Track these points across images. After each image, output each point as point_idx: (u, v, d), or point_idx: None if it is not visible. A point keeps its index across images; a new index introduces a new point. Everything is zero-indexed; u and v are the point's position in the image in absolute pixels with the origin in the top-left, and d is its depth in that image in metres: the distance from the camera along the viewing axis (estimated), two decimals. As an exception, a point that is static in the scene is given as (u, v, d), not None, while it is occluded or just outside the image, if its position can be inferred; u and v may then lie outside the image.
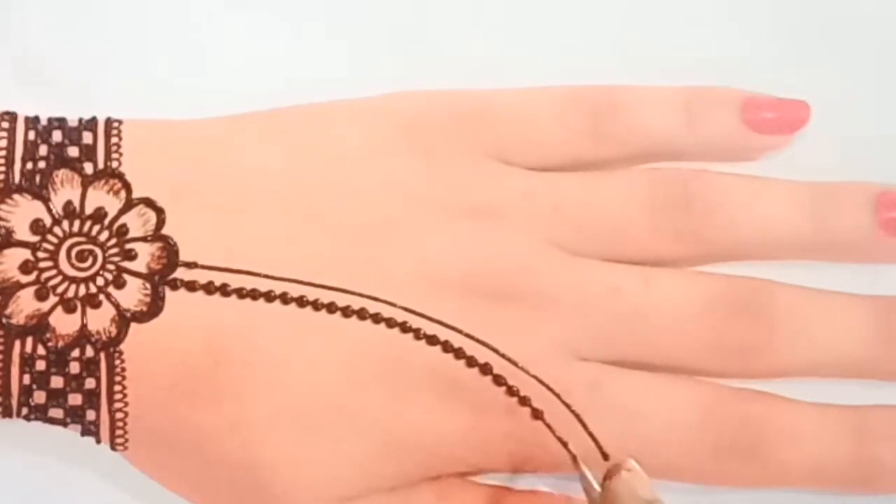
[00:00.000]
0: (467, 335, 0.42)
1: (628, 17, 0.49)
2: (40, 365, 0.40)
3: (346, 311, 0.42)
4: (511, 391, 0.43)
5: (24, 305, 0.40)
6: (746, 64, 0.48)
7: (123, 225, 0.41)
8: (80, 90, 0.46)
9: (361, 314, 0.42)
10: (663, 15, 0.49)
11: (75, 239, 0.41)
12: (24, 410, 0.41)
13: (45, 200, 0.41)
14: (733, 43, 0.49)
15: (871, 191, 0.46)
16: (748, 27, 0.49)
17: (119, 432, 0.41)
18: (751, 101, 0.46)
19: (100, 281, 0.41)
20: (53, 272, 0.41)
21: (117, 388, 0.41)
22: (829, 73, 0.48)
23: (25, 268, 0.40)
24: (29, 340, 0.40)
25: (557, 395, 0.42)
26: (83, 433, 0.41)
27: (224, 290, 0.41)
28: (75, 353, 0.41)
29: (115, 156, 0.42)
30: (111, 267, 0.41)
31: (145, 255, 0.41)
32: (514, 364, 0.42)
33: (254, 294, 0.41)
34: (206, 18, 0.48)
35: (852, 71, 0.49)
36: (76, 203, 0.41)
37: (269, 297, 0.41)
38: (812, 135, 0.47)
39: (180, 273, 0.41)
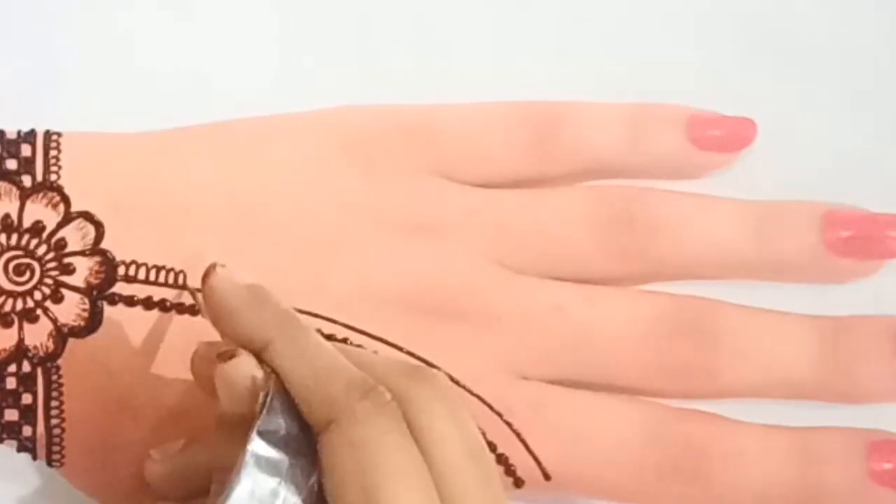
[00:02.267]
0: (409, 353, 0.42)
1: (579, 33, 0.50)
2: (-25, 381, 0.41)
3: (286, 328, 0.42)
4: (452, 410, 0.43)
5: (-40, 320, 0.41)
6: (698, 79, 0.49)
7: (62, 238, 0.42)
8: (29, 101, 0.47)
9: (300, 331, 0.42)
10: (616, 30, 0.50)
11: (13, 252, 0.42)
12: (-41, 427, 0.42)
13: (-18, 214, 0.42)
14: (686, 58, 0.50)
15: (817, 210, 0.47)
16: (701, 43, 0.50)
17: (55, 448, 0.42)
18: (696, 118, 0.47)
19: (37, 295, 0.42)
20: (-10, 286, 0.42)
21: (54, 403, 0.42)
22: (778, 92, 0.49)
23: (-38, 282, 0.41)
24: (-35, 356, 0.41)
25: (499, 415, 0.43)
26: (19, 449, 0.42)
27: (163, 306, 0.42)
28: (12, 368, 0.42)
29: (53, 169, 0.42)
30: (49, 281, 0.42)
31: (84, 269, 0.42)
32: (456, 382, 0.43)
33: (192, 310, 0.42)
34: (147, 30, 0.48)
35: (801, 90, 0.50)
36: (14, 216, 0.42)
37: (208, 313, 0.42)
38: (758, 153, 0.48)
39: (119, 288, 0.42)
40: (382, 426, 0.35)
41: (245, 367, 0.37)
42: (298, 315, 0.38)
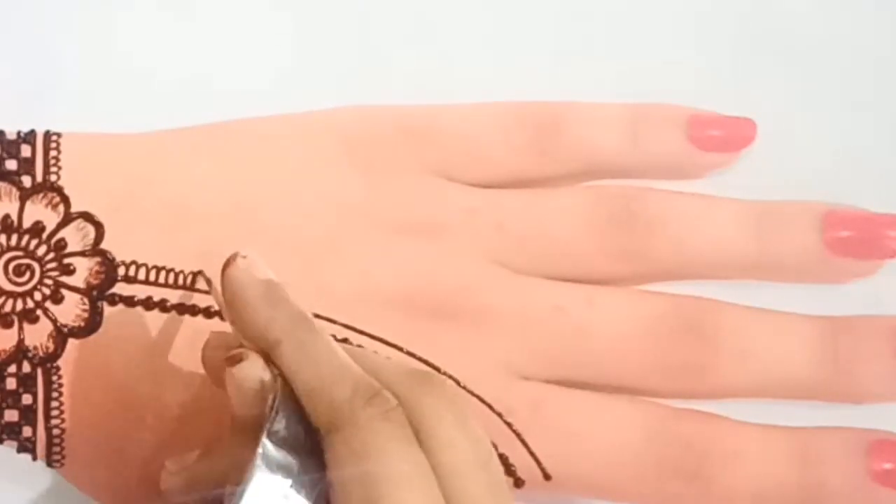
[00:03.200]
0: (408, 353, 0.43)
1: (579, 33, 0.50)
2: (-25, 381, 0.42)
3: (287, 328, 0.43)
4: (452, 410, 0.43)
5: (-40, 321, 0.41)
6: (698, 79, 0.49)
7: (62, 239, 0.42)
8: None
9: (301, 331, 0.43)
10: (616, 30, 0.50)
11: (13, 253, 0.42)
12: (-42, 427, 0.42)
13: (-18, 214, 0.42)
14: (686, 58, 0.50)
15: (817, 210, 0.47)
16: (701, 43, 0.50)
17: (56, 449, 0.42)
18: (696, 118, 0.47)
19: (37, 296, 0.42)
20: (-10, 287, 0.42)
21: (54, 404, 0.42)
22: (777, 92, 0.50)
23: (-39, 282, 0.41)
24: (-36, 357, 0.41)
25: (499, 415, 0.43)
26: (19, 450, 0.42)
27: (163, 306, 0.42)
28: (12, 368, 0.42)
29: (53, 169, 0.43)
30: (49, 282, 0.42)
31: (83, 269, 0.42)
32: (456, 382, 0.43)
33: (193, 310, 0.42)
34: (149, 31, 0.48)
35: (801, 90, 0.50)
36: (14, 217, 0.42)
37: (207, 313, 0.42)
38: (758, 153, 0.48)
39: (119, 288, 0.42)
40: (386, 433, 0.35)
41: (252, 371, 0.37)
42: (311, 317, 0.38)
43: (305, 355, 0.37)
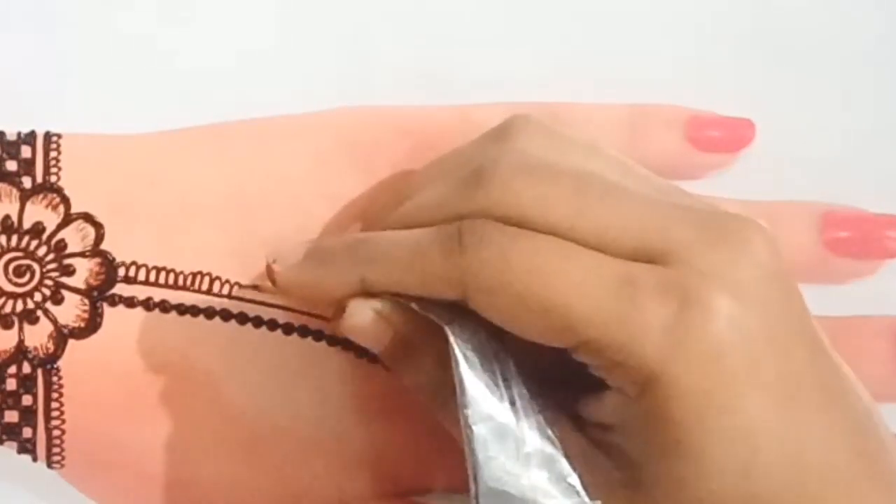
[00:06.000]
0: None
1: (579, 33, 0.50)
2: (-25, 382, 0.41)
3: (287, 329, 0.43)
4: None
5: (-40, 322, 0.41)
6: (697, 79, 0.50)
7: (62, 240, 0.42)
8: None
9: (303, 331, 0.43)
10: (616, 30, 0.50)
11: (13, 254, 0.42)
12: (-42, 428, 0.42)
13: (-18, 215, 0.42)
14: (686, 58, 0.50)
15: (816, 210, 0.47)
16: (701, 43, 0.50)
17: (56, 450, 0.42)
18: (695, 119, 0.47)
19: (37, 296, 0.42)
20: (-10, 287, 0.42)
21: (54, 405, 0.42)
22: (777, 92, 0.50)
23: (-38, 283, 0.41)
24: (-36, 357, 0.41)
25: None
26: (19, 451, 0.42)
27: (163, 307, 0.42)
28: (12, 369, 0.42)
29: (53, 170, 0.43)
30: (49, 282, 0.42)
31: (84, 270, 0.42)
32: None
33: (193, 311, 0.42)
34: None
35: (800, 90, 0.50)
36: (14, 218, 0.42)
37: (208, 313, 0.42)
38: (758, 153, 0.48)
39: (119, 289, 0.42)
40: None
41: (361, 308, 0.38)
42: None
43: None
